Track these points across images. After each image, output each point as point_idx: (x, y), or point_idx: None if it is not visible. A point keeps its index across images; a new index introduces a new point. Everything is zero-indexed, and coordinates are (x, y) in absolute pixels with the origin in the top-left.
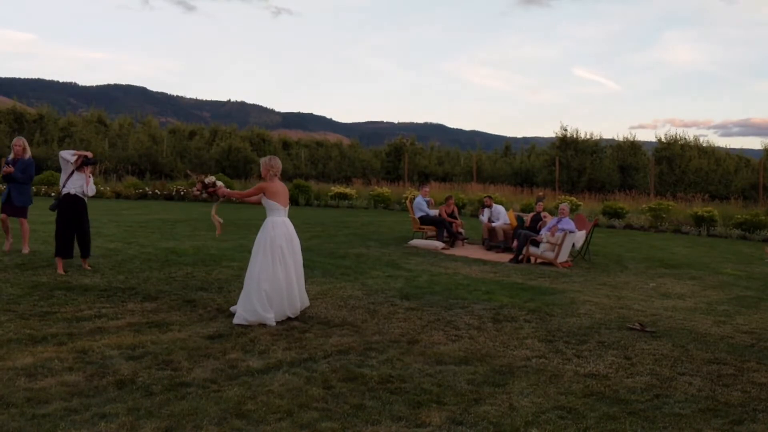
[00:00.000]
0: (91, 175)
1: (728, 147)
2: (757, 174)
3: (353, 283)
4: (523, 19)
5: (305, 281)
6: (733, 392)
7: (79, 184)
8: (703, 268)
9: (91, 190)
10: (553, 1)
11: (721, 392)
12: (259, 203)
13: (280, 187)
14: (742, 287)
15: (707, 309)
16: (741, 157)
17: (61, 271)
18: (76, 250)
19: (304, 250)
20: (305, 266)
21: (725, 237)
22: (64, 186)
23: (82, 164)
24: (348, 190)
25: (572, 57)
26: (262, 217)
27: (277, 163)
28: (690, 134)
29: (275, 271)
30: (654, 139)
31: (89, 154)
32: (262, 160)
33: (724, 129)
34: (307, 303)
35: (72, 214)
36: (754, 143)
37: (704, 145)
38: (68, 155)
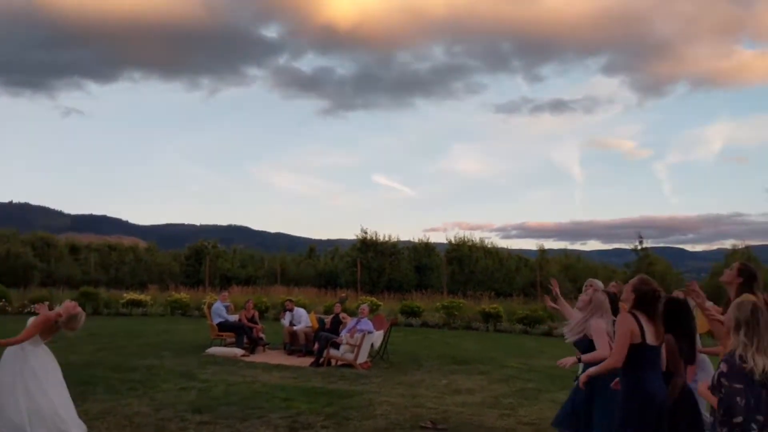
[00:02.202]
0: None
1: (509, 248)
2: (534, 272)
3: (141, 399)
4: (323, 129)
5: (81, 402)
6: None
7: None
8: (490, 362)
9: None
10: (349, 113)
11: None
12: None
13: None
14: (524, 380)
15: (493, 403)
16: (520, 257)
17: None
18: None
19: (86, 364)
20: (84, 383)
21: (510, 332)
22: None
23: None
24: (142, 297)
25: (372, 165)
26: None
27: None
28: (476, 236)
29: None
30: (445, 241)
31: None
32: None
33: (504, 232)
34: (83, 428)
35: None
36: (531, 245)
37: (489, 246)
38: None
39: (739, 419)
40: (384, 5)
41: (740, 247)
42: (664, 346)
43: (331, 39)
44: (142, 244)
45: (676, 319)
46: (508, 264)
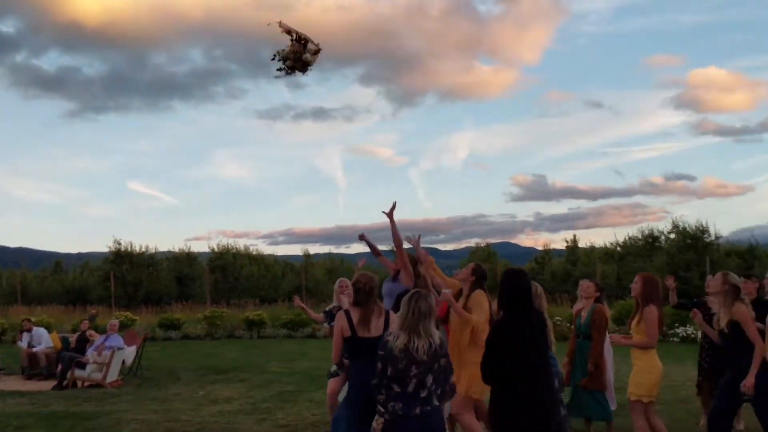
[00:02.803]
0: None
1: (276, 254)
2: (300, 277)
3: None
4: (70, 132)
5: None
6: None
7: None
8: (251, 369)
9: None
10: (99, 116)
11: None
12: None
13: None
14: (283, 383)
15: (251, 409)
16: (287, 263)
17: None
18: None
19: None
20: None
21: (274, 337)
22: None
23: None
24: None
25: (127, 171)
26: None
27: None
28: (241, 244)
29: None
30: (208, 250)
31: None
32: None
33: (272, 238)
34: None
35: None
36: (298, 250)
37: (254, 253)
38: None
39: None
40: (133, 4)
41: (482, 245)
42: None
43: (77, 37)
44: None
45: None
46: (273, 270)
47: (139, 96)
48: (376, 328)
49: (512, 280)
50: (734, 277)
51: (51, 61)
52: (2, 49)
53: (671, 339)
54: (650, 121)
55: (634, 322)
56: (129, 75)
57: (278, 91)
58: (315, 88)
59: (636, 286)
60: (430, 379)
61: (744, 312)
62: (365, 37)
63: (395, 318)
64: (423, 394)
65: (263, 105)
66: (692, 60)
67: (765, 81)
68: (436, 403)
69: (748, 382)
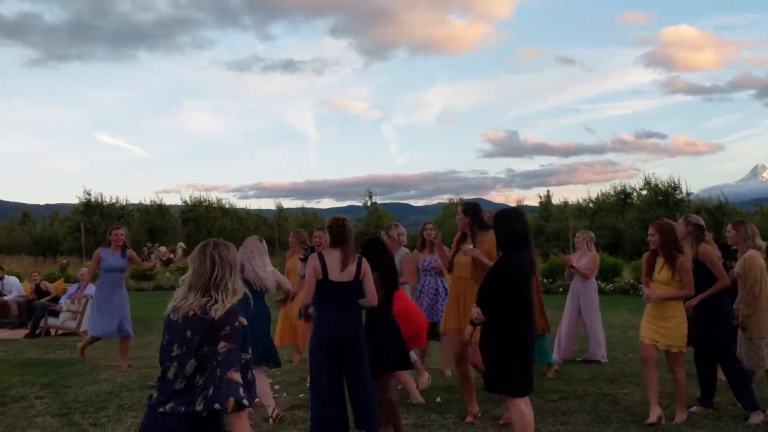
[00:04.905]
0: None
1: (248, 208)
2: (273, 230)
3: None
4: (33, 81)
5: None
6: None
7: None
8: None
9: None
10: (62, 64)
11: None
12: None
13: None
14: None
15: None
16: (260, 216)
17: None
18: None
19: None
20: None
21: None
22: None
23: None
24: None
25: (94, 122)
26: None
27: None
28: (213, 197)
29: None
30: (180, 203)
31: None
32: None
33: (242, 192)
34: None
35: None
36: (269, 204)
37: (227, 206)
38: None
39: None
40: None
41: (455, 200)
42: None
43: None
44: None
45: None
46: (246, 223)
47: (103, 44)
48: (347, 274)
49: (510, 219)
50: (695, 218)
51: (10, 6)
52: None
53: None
54: (622, 79)
55: (662, 274)
56: (92, 23)
57: (247, 41)
58: (284, 39)
59: (653, 238)
60: None
61: (709, 250)
62: None
63: (367, 266)
64: None
65: (232, 56)
66: (664, 18)
67: (735, 40)
68: None
69: (693, 302)
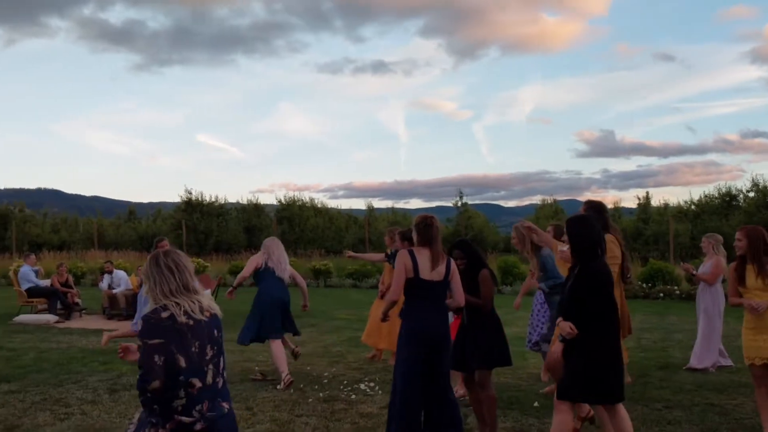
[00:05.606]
0: None
1: (339, 207)
2: (363, 230)
3: None
4: (137, 84)
5: None
6: (344, 425)
7: None
8: (320, 315)
9: None
10: (164, 68)
11: (333, 427)
12: None
13: None
14: (353, 329)
15: (323, 352)
16: (350, 216)
17: None
18: None
19: None
20: None
21: (340, 287)
22: None
23: None
24: None
25: (195, 123)
26: None
27: None
28: (305, 196)
29: None
30: (275, 202)
31: None
32: None
33: (332, 192)
34: None
35: None
36: (359, 204)
37: (318, 206)
38: None
39: None
40: None
41: (549, 201)
42: None
43: None
44: None
45: None
46: (337, 222)
47: (202, 49)
48: (438, 273)
49: (590, 224)
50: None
51: (117, 14)
52: (69, 3)
53: None
54: (725, 76)
55: (758, 282)
56: (192, 28)
57: (339, 44)
58: (375, 41)
59: (741, 243)
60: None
61: None
62: None
63: (455, 267)
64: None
65: (324, 58)
66: None
67: None
68: None
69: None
